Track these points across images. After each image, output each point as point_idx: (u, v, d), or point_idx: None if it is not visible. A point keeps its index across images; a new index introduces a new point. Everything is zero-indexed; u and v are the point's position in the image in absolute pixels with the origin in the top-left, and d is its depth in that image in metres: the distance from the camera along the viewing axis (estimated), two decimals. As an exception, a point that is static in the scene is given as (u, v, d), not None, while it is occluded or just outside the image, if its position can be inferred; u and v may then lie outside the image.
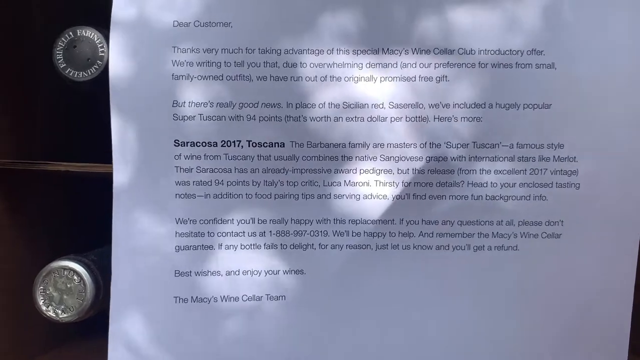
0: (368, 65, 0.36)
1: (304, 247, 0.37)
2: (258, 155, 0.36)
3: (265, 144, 0.36)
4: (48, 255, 0.39)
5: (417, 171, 0.37)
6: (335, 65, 0.36)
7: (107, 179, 0.37)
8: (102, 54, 0.37)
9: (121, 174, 0.36)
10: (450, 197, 0.37)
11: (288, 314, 0.37)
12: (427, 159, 0.37)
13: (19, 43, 0.43)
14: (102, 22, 0.37)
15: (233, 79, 0.36)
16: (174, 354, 0.36)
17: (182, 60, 0.36)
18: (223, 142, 0.36)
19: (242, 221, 0.37)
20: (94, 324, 0.39)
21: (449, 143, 0.36)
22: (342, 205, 0.37)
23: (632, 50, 0.36)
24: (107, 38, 0.37)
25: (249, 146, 0.36)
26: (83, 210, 0.50)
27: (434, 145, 0.37)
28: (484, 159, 0.36)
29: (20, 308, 0.42)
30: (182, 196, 0.36)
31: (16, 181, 0.42)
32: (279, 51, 0.36)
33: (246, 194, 0.36)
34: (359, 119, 0.36)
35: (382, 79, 0.36)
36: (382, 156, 0.37)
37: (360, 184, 0.37)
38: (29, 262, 0.43)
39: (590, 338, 0.37)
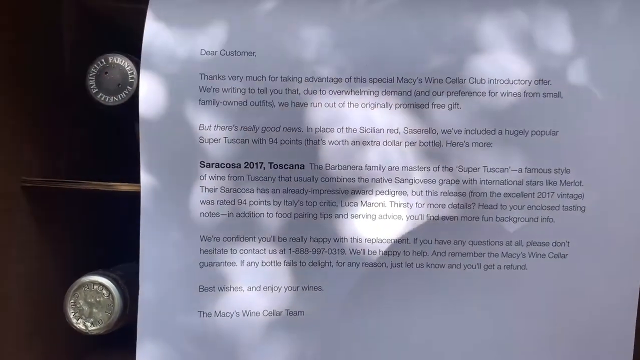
0: (384, 93, 0.38)
1: (322, 264, 0.38)
2: (279, 177, 0.38)
3: (286, 166, 0.38)
4: (74, 270, 0.40)
5: (430, 193, 0.38)
6: (352, 92, 0.38)
7: (133, 197, 0.39)
8: (132, 80, 0.39)
9: (149, 193, 0.38)
10: (462, 218, 0.38)
11: (306, 328, 0.38)
12: (440, 181, 0.38)
13: (55, 69, 0.45)
14: (133, 50, 0.40)
15: (256, 104, 0.38)
16: (197, 366, 0.38)
17: (209, 87, 0.38)
18: (246, 164, 0.38)
19: (263, 239, 0.38)
20: (119, 336, 0.41)
21: (460, 167, 0.38)
22: (358, 224, 0.38)
23: (635, 80, 0.38)
24: (137, 65, 0.39)
25: (271, 168, 0.38)
26: (108, 228, 0.52)
27: (446, 168, 0.38)
28: (494, 182, 0.38)
29: (46, 321, 0.43)
30: (207, 215, 0.38)
31: (46, 199, 0.44)
32: (300, 79, 0.38)
33: (267, 213, 0.38)
34: (375, 143, 0.38)
35: (397, 105, 0.38)
36: (397, 178, 0.38)
37: (376, 204, 0.38)
38: (55, 277, 0.44)
39: (595, 355, 0.39)
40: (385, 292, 0.38)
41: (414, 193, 0.38)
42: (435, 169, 0.38)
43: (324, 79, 0.38)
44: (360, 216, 0.38)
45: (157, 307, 0.38)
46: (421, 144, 0.38)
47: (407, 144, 0.38)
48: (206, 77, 0.38)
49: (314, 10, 0.39)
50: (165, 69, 0.38)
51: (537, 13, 0.38)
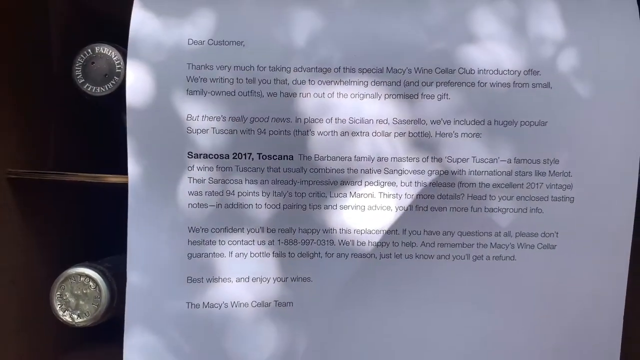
0: (373, 83, 0.38)
1: (311, 255, 0.38)
2: (268, 167, 0.38)
3: (274, 157, 0.38)
4: (61, 263, 0.40)
5: (419, 184, 0.38)
6: (342, 82, 0.38)
7: (120, 188, 0.39)
8: (119, 70, 0.39)
9: (136, 184, 0.38)
10: (451, 209, 0.38)
11: (295, 319, 0.38)
12: (429, 172, 0.38)
13: (40, 59, 0.45)
14: (120, 40, 0.39)
15: (245, 94, 0.38)
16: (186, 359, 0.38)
17: (196, 77, 0.38)
18: (234, 155, 0.38)
19: (252, 230, 0.38)
20: (106, 330, 0.40)
21: (449, 157, 0.38)
22: (347, 215, 0.38)
23: (624, 71, 0.38)
24: (124, 55, 0.39)
25: (260, 158, 0.38)
26: (96, 220, 0.52)
27: (435, 159, 0.38)
28: (483, 173, 0.38)
29: (33, 314, 0.43)
30: (195, 206, 0.38)
31: (32, 191, 0.43)
32: (288, 69, 0.38)
33: (256, 204, 0.38)
34: (364, 133, 0.38)
35: (387, 96, 0.38)
36: (386, 169, 0.38)
37: (365, 195, 0.38)
38: (42, 269, 0.44)
39: (584, 346, 0.39)
40: (375, 283, 0.38)
41: (403, 184, 0.38)
42: (424, 159, 0.38)
43: (313, 69, 0.38)
44: (350, 207, 0.38)
45: (145, 298, 0.37)
46: (410, 134, 0.38)
47: (396, 134, 0.38)
48: (194, 67, 0.38)
49: (302, -1, 0.38)
50: (152, 59, 0.37)
51: (527, 3, 0.38)
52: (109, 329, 0.40)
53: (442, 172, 0.38)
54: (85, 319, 0.37)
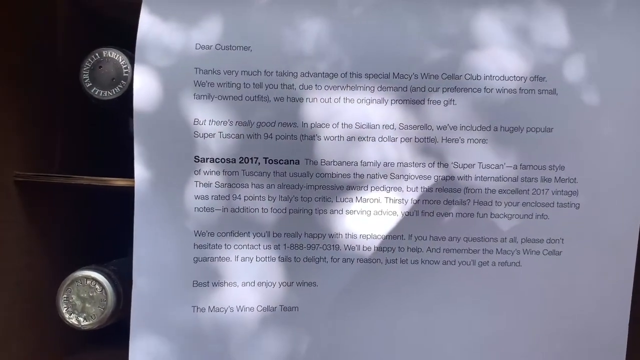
0: (380, 88, 0.38)
1: (317, 260, 0.38)
2: (274, 172, 0.38)
3: (281, 161, 0.38)
4: (67, 265, 0.40)
5: (425, 189, 0.38)
6: (348, 88, 0.38)
7: (127, 192, 0.39)
8: (127, 74, 0.39)
9: (143, 188, 0.38)
10: (457, 214, 0.38)
11: (300, 324, 0.38)
12: (435, 177, 0.38)
13: (48, 63, 0.45)
14: (127, 44, 0.39)
15: (252, 99, 0.38)
16: (191, 362, 0.38)
17: (204, 81, 0.38)
18: (241, 159, 0.38)
19: (258, 234, 0.38)
20: (112, 333, 0.41)
21: (455, 163, 0.38)
22: (353, 220, 0.38)
23: (630, 77, 0.38)
24: (131, 59, 0.39)
25: (266, 163, 0.38)
26: (102, 223, 0.52)
27: (441, 164, 0.38)
28: (489, 179, 0.38)
29: (39, 317, 0.43)
30: (201, 210, 0.38)
31: (39, 194, 0.43)
32: (295, 74, 0.38)
33: (262, 208, 0.38)
34: (370, 138, 0.38)
35: (393, 101, 0.38)
36: (392, 174, 0.38)
37: (371, 200, 0.38)
38: (48, 272, 0.44)
39: (589, 352, 0.39)
40: (380, 288, 0.38)
41: (409, 189, 0.38)
42: (430, 165, 0.38)
43: (320, 74, 0.38)
44: (355, 212, 0.38)
45: (151, 302, 0.37)
46: (416, 140, 0.38)
47: (402, 140, 0.38)
48: (201, 71, 0.38)
49: (309, 5, 0.38)
50: (159, 63, 0.38)
51: (534, 9, 0.38)
52: (115, 332, 0.40)
53: (448, 178, 0.38)
54: (91, 322, 0.37)
